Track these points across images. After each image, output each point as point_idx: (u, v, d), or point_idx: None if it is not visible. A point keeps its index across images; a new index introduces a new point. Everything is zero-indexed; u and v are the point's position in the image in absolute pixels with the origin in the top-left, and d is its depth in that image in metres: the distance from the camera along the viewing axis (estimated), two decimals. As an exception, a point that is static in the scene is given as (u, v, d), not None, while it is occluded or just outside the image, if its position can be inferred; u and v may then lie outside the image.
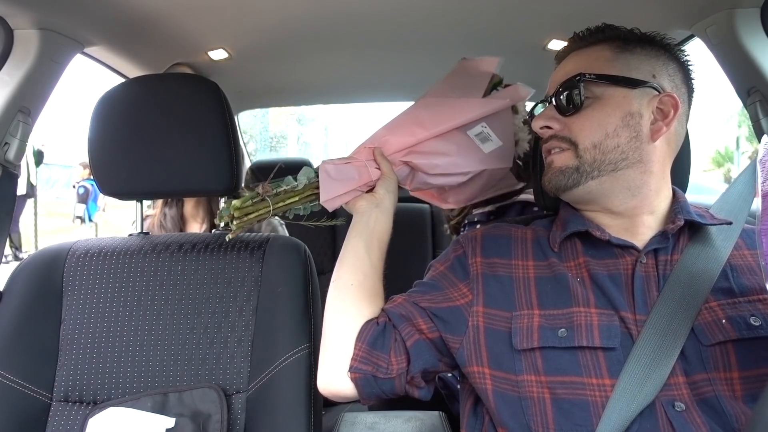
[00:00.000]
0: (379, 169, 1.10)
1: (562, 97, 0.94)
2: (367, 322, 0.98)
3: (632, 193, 0.92)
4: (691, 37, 1.51)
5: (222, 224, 1.11)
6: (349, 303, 1.00)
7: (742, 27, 1.31)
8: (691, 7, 1.39)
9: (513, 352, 0.88)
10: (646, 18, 1.45)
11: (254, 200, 1.08)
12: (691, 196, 1.09)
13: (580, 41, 0.98)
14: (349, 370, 0.94)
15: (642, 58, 0.93)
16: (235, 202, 1.07)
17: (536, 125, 0.98)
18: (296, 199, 1.10)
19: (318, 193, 1.09)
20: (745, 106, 1.38)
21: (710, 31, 1.40)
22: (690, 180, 1.15)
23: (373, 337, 0.95)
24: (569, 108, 0.93)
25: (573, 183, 0.93)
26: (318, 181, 1.10)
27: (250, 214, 1.08)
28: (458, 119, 1.11)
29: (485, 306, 0.93)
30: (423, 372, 0.95)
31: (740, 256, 0.92)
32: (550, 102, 0.97)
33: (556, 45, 1.79)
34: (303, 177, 1.11)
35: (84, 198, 9.05)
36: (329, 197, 1.08)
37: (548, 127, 0.96)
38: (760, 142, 1.32)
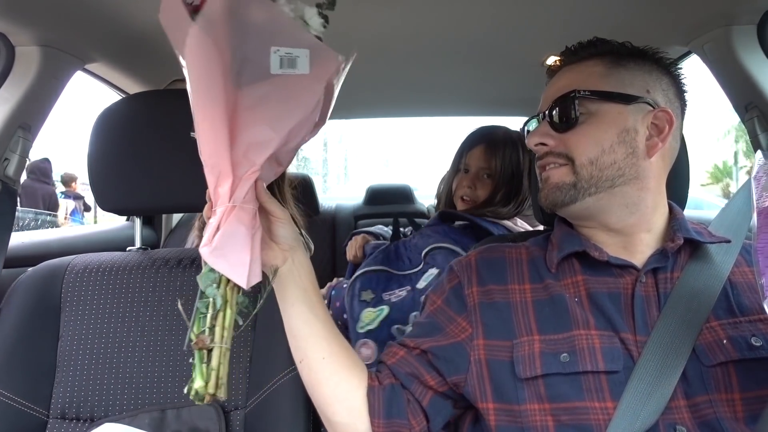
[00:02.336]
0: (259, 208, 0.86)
1: (555, 113, 0.93)
2: (370, 390, 0.91)
3: (630, 210, 0.91)
4: (688, 53, 1.53)
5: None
6: (336, 380, 0.91)
7: (739, 43, 1.32)
8: (688, 23, 1.40)
9: (516, 380, 0.86)
10: (644, 35, 1.45)
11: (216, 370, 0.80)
12: (690, 211, 1.09)
13: (572, 56, 0.98)
14: None
15: (635, 72, 0.93)
16: (194, 390, 0.79)
17: (531, 142, 0.97)
18: (228, 316, 0.83)
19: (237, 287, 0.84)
20: (743, 121, 1.39)
21: (707, 47, 1.41)
22: (689, 195, 1.16)
23: (387, 407, 0.90)
24: (564, 124, 0.92)
25: (570, 199, 0.92)
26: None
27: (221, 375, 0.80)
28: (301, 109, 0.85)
29: (485, 338, 0.91)
30: (445, 425, 0.93)
31: (740, 273, 0.91)
32: (544, 118, 0.96)
33: (552, 61, 1.80)
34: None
35: (73, 211, 8.99)
36: (244, 276, 0.80)
37: (543, 144, 0.95)
38: (757, 157, 1.33)
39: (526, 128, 1.05)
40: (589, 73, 0.94)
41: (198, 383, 0.78)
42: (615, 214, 0.92)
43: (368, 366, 0.96)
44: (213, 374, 0.79)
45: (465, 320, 0.94)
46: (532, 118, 1.02)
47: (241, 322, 0.85)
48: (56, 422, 1.13)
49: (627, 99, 0.91)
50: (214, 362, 0.79)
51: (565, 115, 0.92)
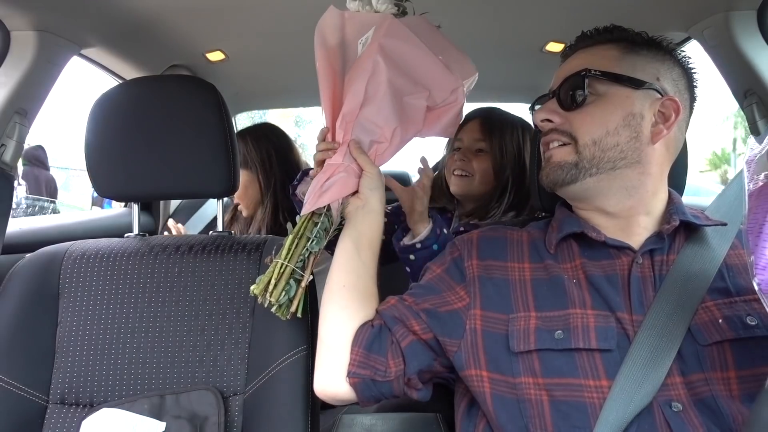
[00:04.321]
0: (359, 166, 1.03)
1: (564, 90, 0.94)
2: (363, 326, 0.97)
3: (629, 193, 0.92)
4: (688, 39, 1.52)
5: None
6: (343, 305, 0.99)
7: (739, 29, 1.32)
8: (687, 9, 1.40)
9: (510, 354, 0.88)
10: (643, 20, 1.45)
11: (284, 280, 1.00)
12: (688, 198, 1.10)
13: (587, 39, 0.99)
14: (347, 375, 0.94)
15: (648, 60, 0.94)
16: (252, 287, 1.00)
17: (537, 117, 0.98)
18: (304, 242, 1.02)
19: (319, 223, 1.04)
20: (742, 108, 1.39)
21: (707, 33, 1.40)
22: (686, 181, 1.16)
23: (369, 341, 0.95)
24: (571, 103, 0.93)
25: (571, 179, 0.93)
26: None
27: (275, 286, 0.99)
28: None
29: (482, 309, 0.92)
30: (419, 372, 0.95)
31: (736, 256, 0.92)
32: (552, 96, 0.97)
33: (554, 47, 1.80)
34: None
35: (98, 202, 9.05)
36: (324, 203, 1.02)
37: (549, 120, 0.96)
38: (757, 144, 1.33)
39: (533, 108, 1.05)
40: (603, 56, 0.95)
41: (253, 286, 1.00)
42: (614, 197, 0.93)
43: None
44: (264, 279, 0.99)
45: (463, 290, 0.96)
46: (541, 97, 1.03)
47: (315, 249, 1.03)
48: (55, 407, 1.13)
49: (636, 84, 0.91)
50: (268, 271, 1.00)
51: (573, 94, 0.93)
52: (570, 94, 0.93)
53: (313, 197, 1.01)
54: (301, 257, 1.02)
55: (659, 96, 0.92)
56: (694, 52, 1.36)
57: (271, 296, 0.98)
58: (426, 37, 1.06)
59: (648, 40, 0.97)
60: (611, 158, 0.90)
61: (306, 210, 1.03)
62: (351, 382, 0.94)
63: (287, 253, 1.00)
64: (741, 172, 1.07)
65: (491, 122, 1.63)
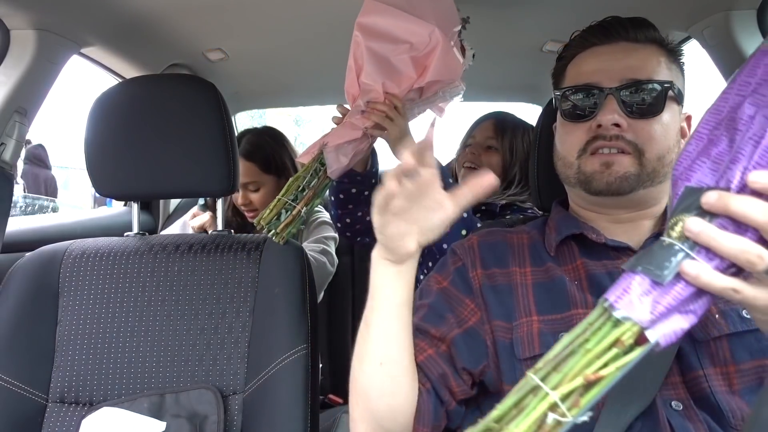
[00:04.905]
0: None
1: (635, 96, 0.89)
2: (419, 397, 0.86)
3: (656, 201, 0.93)
4: (688, 38, 1.52)
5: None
6: (409, 387, 0.84)
7: (739, 29, 1.32)
8: (687, 9, 1.39)
9: (515, 361, 0.87)
10: (643, 19, 1.45)
11: (277, 209, 1.22)
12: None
13: (629, 32, 0.93)
14: None
15: (679, 73, 0.94)
16: (257, 218, 1.23)
17: (607, 119, 0.89)
18: (299, 182, 1.24)
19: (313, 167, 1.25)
20: (742, 107, 1.39)
21: (707, 32, 1.40)
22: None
23: (433, 415, 0.85)
24: (642, 111, 0.89)
25: (629, 189, 0.89)
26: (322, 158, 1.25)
27: (269, 212, 1.20)
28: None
29: (492, 320, 0.91)
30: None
31: None
32: (610, 93, 0.90)
33: (553, 47, 1.79)
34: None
35: (101, 201, 9.03)
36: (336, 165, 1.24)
37: (617, 125, 0.89)
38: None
39: (561, 96, 0.97)
40: (655, 62, 0.91)
41: (260, 215, 1.21)
42: (646, 204, 0.93)
43: None
44: (267, 211, 1.20)
45: (473, 302, 0.93)
46: (583, 88, 0.94)
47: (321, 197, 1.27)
48: (55, 406, 1.13)
49: (682, 100, 0.92)
50: (272, 204, 1.21)
51: (646, 103, 0.89)
52: (641, 101, 0.89)
53: (312, 146, 1.26)
54: (294, 194, 1.22)
55: (684, 113, 0.93)
56: (694, 51, 1.36)
57: (263, 221, 1.19)
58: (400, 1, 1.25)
59: (675, 51, 0.95)
60: (665, 173, 0.90)
61: (304, 159, 1.27)
62: None
63: (285, 191, 1.22)
64: None
65: (504, 123, 1.73)
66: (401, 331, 0.82)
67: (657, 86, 0.88)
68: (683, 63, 0.96)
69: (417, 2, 1.25)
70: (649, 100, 0.88)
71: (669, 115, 0.90)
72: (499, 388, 0.88)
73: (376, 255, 0.80)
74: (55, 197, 7.78)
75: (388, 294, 0.80)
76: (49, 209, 7.01)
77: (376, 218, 0.74)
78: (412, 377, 0.85)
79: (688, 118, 0.93)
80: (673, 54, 0.94)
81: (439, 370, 0.88)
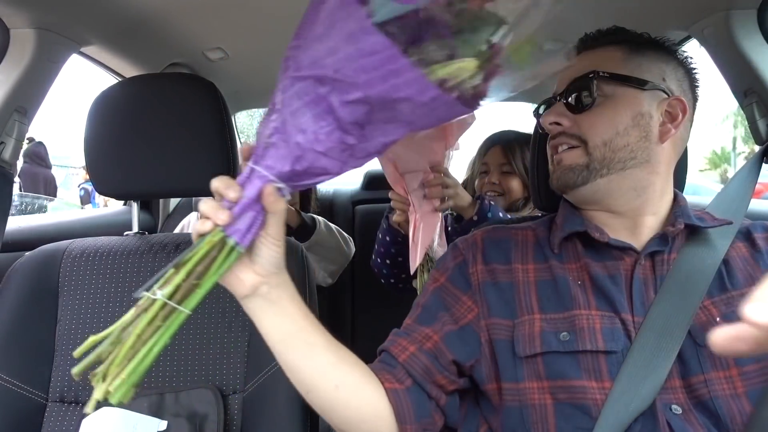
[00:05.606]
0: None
1: (573, 94, 0.94)
2: (394, 395, 0.85)
3: (638, 193, 0.92)
4: (688, 38, 1.52)
5: None
6: (356, 402, 0.83)
7: (739, 28, 1.32)
8: (687, 8, 1.39)
9: (515, 359, 0.87)
10: (644, 19, 1.45)
11: None
12: (687, 197, 1.09)
13: (591, 41, 0.99)
14: None
15: (653, 60, 0.94)
16: None
17: (546, 121, 0.97)
18: None
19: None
20: (742, 107, 1.39)
21: (707, 32, 1.40)
22: (686, 180, 1.16)
23: (416, 412, 0.85)
24: (580, 105, 0.93)
25: (582, 180, 0.93)
26: None
27: None
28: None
29: (490, 317, 0.91)
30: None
31: (734, 248, 0.92)
32: (559, 99, 0.97)
33: (552, 47, 1.79)
34: None
35: (86, 200, 9.07)
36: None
37: (558, 124, 0.96)
38: (757, 143, 1.33)
39: (537, 112, 1.06)
40: (608, 57, 0.95)
41: None
42: (623, 197, 0.93)
43: None
44: None
45: (470, 299, 0.94)
46: (545, 101, 1.03)
47: None
48: (55, 405, 1.13)
49: (643, 84, 0.92)
50: None
51: (581, 96, 0.93)
52: (578, 97, 0.94)
53: (416, 255, 1.36)
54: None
55: (666, 96, 0.92)
56: (694, 51, 1.36)
57: None
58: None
59: (652, 41, 0.97)
60: (621, 158, 0.91)
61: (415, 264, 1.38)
62: None
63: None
64: (742, 169, 1.07)
65: (511, 144, 1.84)
66: (304, 359, 0.79)
67: (587, 79, 0.93)
68: (670, 49, 0.97)
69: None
70: (585, 93, 0.92)
71: (614, 101, 0.92)
72: (492, 385, 0.89)
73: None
74: (54, 196, 7.78)
75: (265, 333, 0.77)
76: (46, 208, 7.01)
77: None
78: (354, 388, 0.82)
79: (679, 101, 0.92)
80: (636, 45, 0.96)
81: (422, 366, 0.89)
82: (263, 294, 0.75)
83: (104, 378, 0.68)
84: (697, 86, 0.98)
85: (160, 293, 0.69)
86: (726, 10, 1.31)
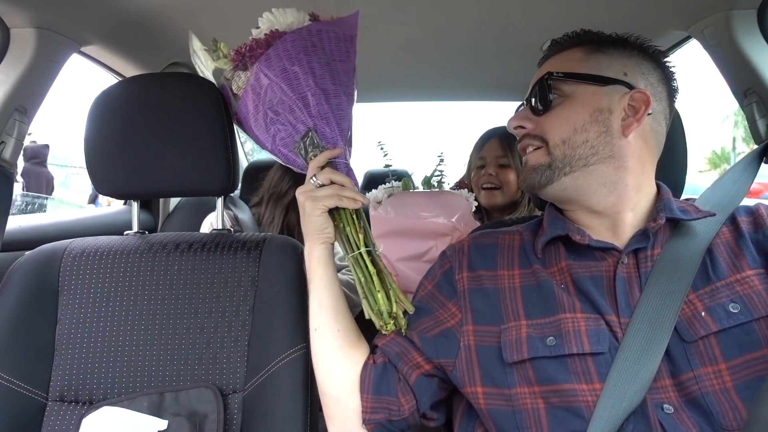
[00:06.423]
0: None
1: (534, 97, 0.97)
2: (364, 367, 0.99)
3: (608, 189, 0.92)
4: (688, 38, 1.52)
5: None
6: (342, 353, 1.00)
7: (739, 28, 1.32)
8: (687, 9, 1.40)
9: (504, 365, 0.88)
10: (644, 20, 1.45)
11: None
12: (687, 197, 1.09)
13: (557, 46, 1.01)
14: (363, 423, 0.96)
15: (614, 57, 0.95)
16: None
17: (510, 126, 1.00)
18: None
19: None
20: (742, 107, 1.39)
21: (707, 32, 1.40)
22: (686, 181, 1.16)
23: (376, 383, 0.96)
24: (540, 107, 0.95)
25: (546, 180, 0.94)
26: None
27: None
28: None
29: (474, 324, 0.93)
30: (432, 405, 0.97)
31: (718, 236, 0.92)
32: (526, 104, 1.00)
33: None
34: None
35: (93, 198, 9.14)
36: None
37: (521, 127, 0.98)
38: (757, 143, 1.33)
39: None
40: (568, 59, 0.97)
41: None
42: (595, 194, 0.93)
43: None
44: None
45: (455, 305, 0.96)
46: (520, 105, 1.05)
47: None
48: (55, 405, 1.13)
49: (602, 80, 0.93)
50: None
51: (541, 98, 0.95)
52: (538, 100, 0.96)
53: None
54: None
55: (627, 90, 0.92)
56: (694, 51, 1.36)
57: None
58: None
59: (614, 39, 0.98)
60: (582, 155, 0.91)
61: None
62: (368, 428, 0.96)
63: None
64: (736, 164, 1.07)
65: (510, 138, 1.79)
66: (332, 300, 1.01)
67: (543, 81, 0.95)
68: (634, 45, 0.98)
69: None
70: (543, 95, 0.95)
71: (571, 100, 0.93)
72: (471, 389, 0.91)
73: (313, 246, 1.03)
74: (51, 195, 7.81)
75: (320, 272, 1.02)
76: (47, 207, 7.02)
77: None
78: (347, 343, 1.00)
79: (642, 94, 0.92)
80: (597, 44, 0.97)
81: (399, 347, 0.98)
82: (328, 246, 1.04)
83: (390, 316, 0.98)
84: (673, 78, 0.98)
85: (357, 252, 1.01)
86: (726, 11, 1.31)
